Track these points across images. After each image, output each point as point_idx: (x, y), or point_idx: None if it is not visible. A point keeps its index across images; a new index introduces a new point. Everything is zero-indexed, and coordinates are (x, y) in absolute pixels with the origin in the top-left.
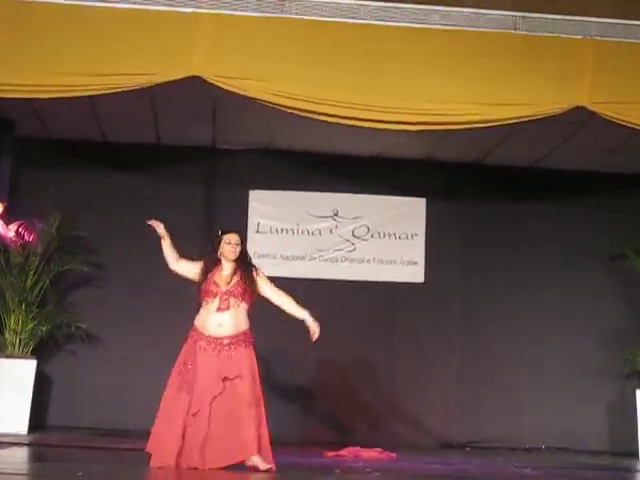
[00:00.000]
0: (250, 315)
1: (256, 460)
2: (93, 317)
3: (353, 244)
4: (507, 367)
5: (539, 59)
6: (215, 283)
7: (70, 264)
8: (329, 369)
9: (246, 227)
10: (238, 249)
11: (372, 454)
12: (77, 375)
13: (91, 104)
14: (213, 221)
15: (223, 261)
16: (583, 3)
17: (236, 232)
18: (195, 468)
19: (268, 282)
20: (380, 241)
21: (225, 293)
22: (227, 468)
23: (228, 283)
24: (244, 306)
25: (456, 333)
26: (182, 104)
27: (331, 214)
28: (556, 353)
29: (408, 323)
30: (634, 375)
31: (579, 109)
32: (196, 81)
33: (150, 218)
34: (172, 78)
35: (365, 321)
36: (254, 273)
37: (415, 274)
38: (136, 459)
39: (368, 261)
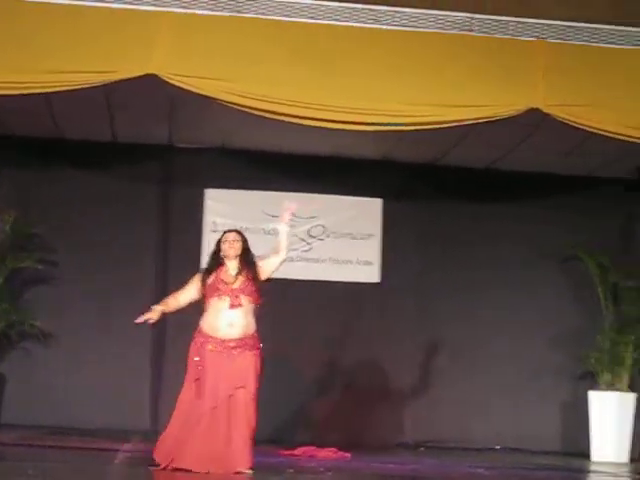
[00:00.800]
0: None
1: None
2: (47, 315)
3: (309, 244)
4: (462, 367)
5: (494, 61)
6: (223, 282)
7: (25, 262)
8: (283, 368)
9: (202, 226)
10: (237, 245)
11: (326, 454)
12: (31, 373)
13: (47, 101)
14: (169, 220)
15: (226, 261)
16: (538, 6)
17: (236, 231)
18: (187, 470)
19: (265, 259)
20: (336, 241)
21: (236, 290)
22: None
23: (236, 281)
24: (252, 306)
25: (411, 333)
26: (139, 102)
27: None
28: (511, 353)
29: (363, 323)
30: (587, 376)
31: (534, 111)
32: (153, 80)
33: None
34: (130, 76)
35: (320, 321)
36: (258, 270)
37: (371, 274)
38: (88, 457)
39: (324, 261)
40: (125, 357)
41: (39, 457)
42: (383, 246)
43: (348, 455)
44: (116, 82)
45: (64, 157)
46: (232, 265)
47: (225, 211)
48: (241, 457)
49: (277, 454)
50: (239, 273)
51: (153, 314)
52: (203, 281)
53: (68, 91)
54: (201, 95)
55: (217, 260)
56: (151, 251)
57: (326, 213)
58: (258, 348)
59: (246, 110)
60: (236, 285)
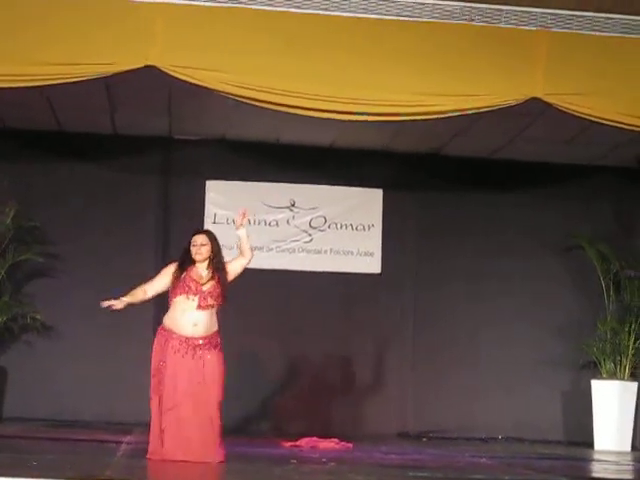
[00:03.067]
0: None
1: None
2: (49, 308)
3: (310, 235)
4: (464, 357)
5: (495, 51)
6: (195, 281)
7: (26, 255)
8: (285, 360)
9: (203, 218)
10: (204, 249)
11: (328, 444)
12: (33, 366)
13: (46, 94)
14: (169, 212)
15: (197, 262)
16: None
17: (204, 232)
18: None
19: (232, 262)
20: (337, 232)
21: (206, 293)
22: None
23: (207, 283)
24: (216, 308)
25: (412, 323)
26: (138, 94)
27: (288, 205)
28: (512, 343)
29: (365, 314)
30: (589, 365)
31: (534, 100)
32: (152, 71)
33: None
34: (128, 68)
35: (321, 312)
36: (226, 275)
37: (372, 265)
38: (90, 450)
39: (325, 252)
40: (126, 349)
41: (42, 449)
42: (384, 237)
43: (350, 445)
44: (115, 74)
45: (64, 149)
46: (202, 266)
47: (226, 203)
48: (211, 452)
49: (279, 445)
50: (210, 276)
51: (118, 303)
52: (175, 277)
53: (67, 84)
54: (200, 86)
55: (189, 259)
56: (152, 243)
57: (327, 204)
58: (221, 346)
59: (244, 101)
60: (206, 287)
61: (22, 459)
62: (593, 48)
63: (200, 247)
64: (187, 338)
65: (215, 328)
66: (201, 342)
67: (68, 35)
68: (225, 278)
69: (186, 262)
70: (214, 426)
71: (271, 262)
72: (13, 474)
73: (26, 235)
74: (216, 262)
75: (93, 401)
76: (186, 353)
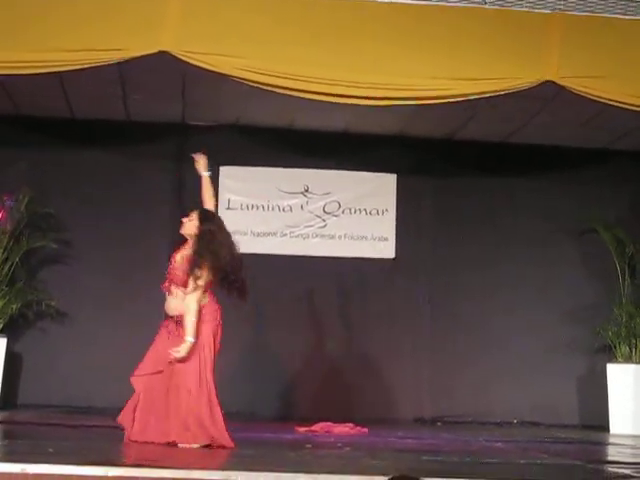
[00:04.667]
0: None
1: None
2: (63, 294)
3: (324, 220)
4: (479, 342)
5: (508, 34)
6: (171, 259)
7: (40, 241)
8: (301, 345)
9: (217, 204)
10: (188, 225)
11: (344, 429)
12: (47, 353)
13: (59, 81)
14: (183, 198)
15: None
16: None
17: (199, 210)
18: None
19: (192, 298)
20: (351, 217)
21: (168, 276)
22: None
23: (175, 265)
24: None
25: (427, 308)
26: (152, 80)
27: (302, 190)
28: (527, 328)
29: (379, 299)
30: (604, 349)
31: (548, 83)
32: (165, 57)
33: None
34: (141, 53)
35: (336, 297)
36: (196, 270)
37: (386, 250)
38: (105, 436)
39: (339, 237)
40: (140, 335)
41: (57, 436)
42: (398, 222)
43: (366, 430)
44: (128, 60)
45: (78, 136)
46: (187, 246)
47: (239, 188)
48: (173, 431)
49: (294, 430)
50: (185, 257)
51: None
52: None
53: (81, 70)
54: (214, 72)
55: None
56: (166, 229)
57: (341, 189)
58: (203, 320)
59: (258, 86)
60: (171, 269)
61: (39, 445)
62: (608, 30)
63: (185, 222)
64: (170, 316)
65: None
66: (175, 321)
67: (82, 21)
68: (195, 270)
69: (181, 242)
70: (181, 412)
71: (285, 247)
72: (31, 461)
73: (40, 222)
74: (198, 245)
75: (107, 387)
76: (167, 330)
